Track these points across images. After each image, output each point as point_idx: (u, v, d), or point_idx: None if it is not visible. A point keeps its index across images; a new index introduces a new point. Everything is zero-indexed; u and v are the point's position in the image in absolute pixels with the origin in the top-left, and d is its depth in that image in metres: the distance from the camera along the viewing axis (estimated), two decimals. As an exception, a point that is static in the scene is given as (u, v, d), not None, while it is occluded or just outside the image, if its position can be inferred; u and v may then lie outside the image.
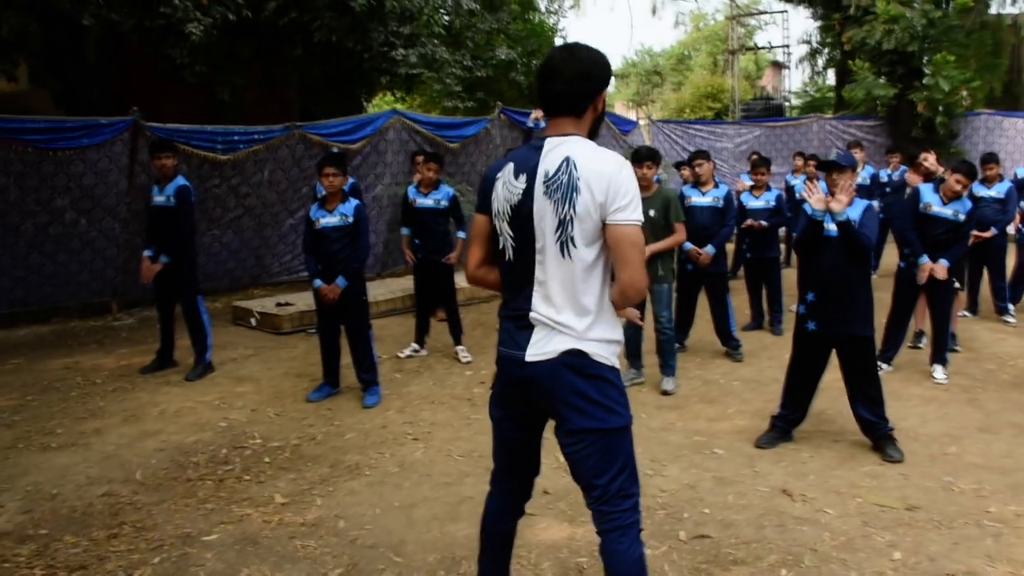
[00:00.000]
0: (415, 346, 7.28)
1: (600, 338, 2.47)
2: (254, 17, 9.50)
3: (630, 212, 2.38)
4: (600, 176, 2.37)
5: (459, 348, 7.12)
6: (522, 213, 2.47)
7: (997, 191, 7.91)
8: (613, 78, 2.56)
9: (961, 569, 3.39)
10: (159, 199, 6.48)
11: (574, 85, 2.45)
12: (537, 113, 9.31)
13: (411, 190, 7.12)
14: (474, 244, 2.70)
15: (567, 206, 2.38)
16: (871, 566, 3.42)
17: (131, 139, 8.66)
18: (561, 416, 2.50)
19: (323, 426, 5.38)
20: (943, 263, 6.04)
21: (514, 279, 2.56)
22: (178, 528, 3.87)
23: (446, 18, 13.96)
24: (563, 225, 2.40)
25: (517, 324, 2.54)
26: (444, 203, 7.00)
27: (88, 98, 9.88)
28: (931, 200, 6.16)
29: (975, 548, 3.58)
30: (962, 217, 6.08)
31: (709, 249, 6.74)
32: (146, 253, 6.47)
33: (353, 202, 5.79)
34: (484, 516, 2.87)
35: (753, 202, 7.91)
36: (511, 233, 2.52)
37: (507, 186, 2.52)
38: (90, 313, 8.95)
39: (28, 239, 8.30)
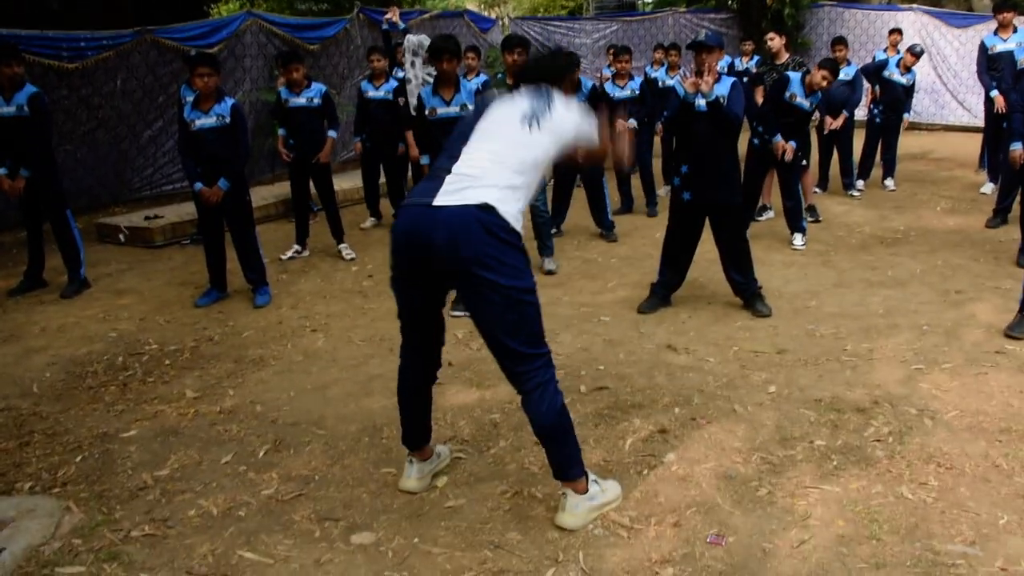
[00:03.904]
0: (297, 247, 7.25)
1: (512, 200, 2.66)
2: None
3: (588, 132, 2.91)
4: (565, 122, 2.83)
5: (342, 246, 7.17)
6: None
7: (845, 74, 8.45)
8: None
9: (826, 395, 3.89)
10: (7, 110, 6.06)
11: (546, 76, 2.96)
12: (391, 14, 9.19)
13: (283, 91, 6.98)
14: None
15: (546, 107, 2.79)
16: (751, 399, 3.85)
17: (-39, 48, 7.99)
18: (467, 267, 2.56)
19: (218, 328, 5.38)
20: (792, 145, 6.54)
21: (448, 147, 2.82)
22: (92, 430, 3.86)
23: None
24: (535, 115, 2.75)
25: (430, 177, 2.73)
26: (317, 101, 6.90)
27: None
28: (797, 91, 6.61)
29: (837, 378, 4.10)
30: (813, 107, 6.65)
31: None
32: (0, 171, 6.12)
33: (229, 101, 5.66)
34: (399, 386, 3.06)
35: (619, 92, 8.14)
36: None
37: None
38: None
39: None
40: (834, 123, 8.39)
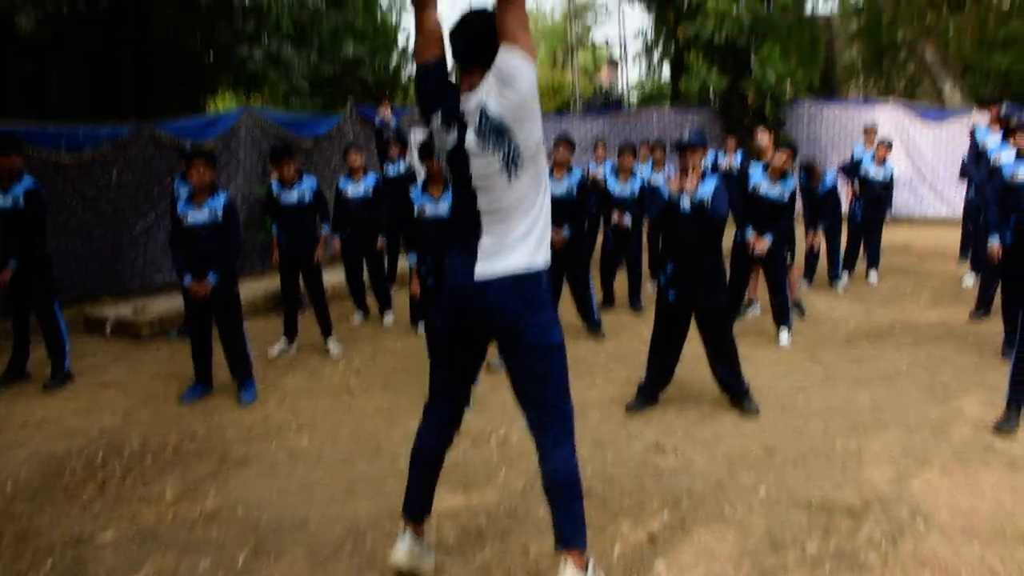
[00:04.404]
0: (284, 342, 7.23)
1: (538, 240, 2.78)
2: (89, 10, 9.02)
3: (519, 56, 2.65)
4: (507, 103, 2.65)
5: (330, 341, 7.15)
6: (456, 158, 2.77)
7: (823, 186, 8.57)
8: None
9: (817, 496, 3.85)
10: (2, 202, 6.13)
11: (483, 36, 2.71)
12: (384, 112, 9.40)
13: (274, 185, 7.06)
14: None
15: (506, 141, 2.66)
16: (740, 501, 3.81)
17: (-40, 140, 8.10)
18: (504, 332, 2.80)
19: (202, 424, 5.32)
20: (767, 239, 6.61)
21: (456, 212, 2.88)
22: (66, 532, 3.77)
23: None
24: (507, 157, 2.68)
25: (466, 246, 2.81)
26: (309, 197, 6.99)
27: None
28: (760, 181, 6.73)
29: (826, 478, 4.07)
30: (786, 197, 6.67)
31: (565, 232, 7.02)
32: (-10, 261, 6.13)
33: (222, 196, 5.73)
34: (416, 446, 3.09)
35: (619, 189, 8.26)
36: (450, 172, 2.84)
37: (439, 131, 2.79)
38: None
39: None
40: (815, 239, 8.56)
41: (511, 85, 2.63)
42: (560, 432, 2.85)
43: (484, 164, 2.70)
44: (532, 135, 2.70)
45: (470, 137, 2.70)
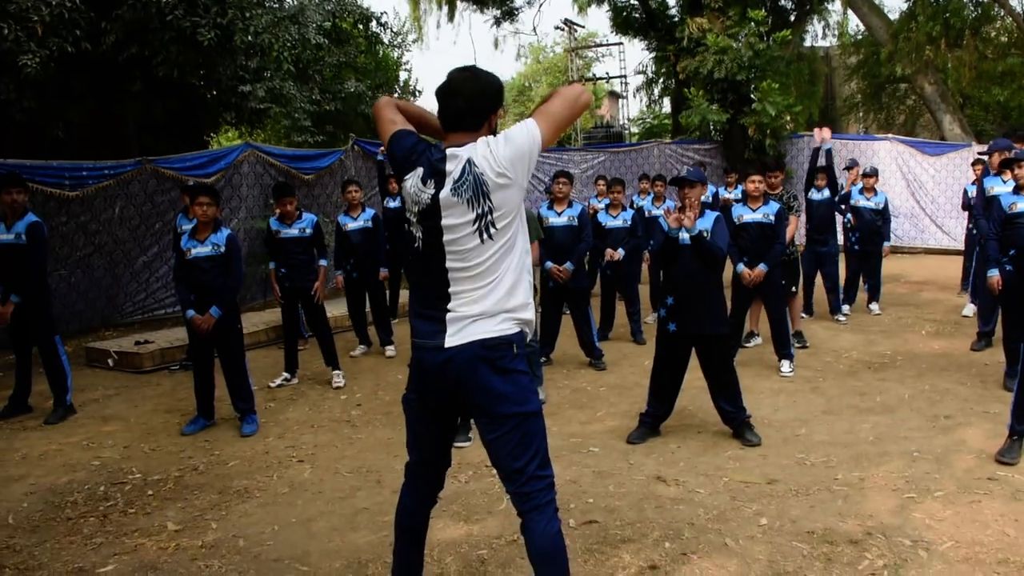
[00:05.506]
0: (286, 375, 7.24)
1: (513, 317, 2.68)
2: (92, 50, 9.11)
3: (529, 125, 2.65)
4: (493, 160, 2.59)
5: (335, 372, 7.15)
6: (429, 213, 2.66)
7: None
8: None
9: (819, 527, 3.83)
10: (6, 237, 6.18)
11: (474, 103, 2.68)
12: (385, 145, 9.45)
13: (274, 222, 7.11)
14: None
15: (483, 200, 2.59)
16: (742, 532, 3.79)
17: (-34, 176, 8.18)
18: (478, 403, 2.69)
19: (203, 457, 5.32)
20: (761, 268, 6.63)
21: (424, 273, 2.75)
22: (67, 565, 3.76)
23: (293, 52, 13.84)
24: (481, 217, 2.60)
25: (434, 314, 2.71)
26: (308, 231, 7.05)
27: None
28: (741, 212, 6.81)
29: (828, 509, 4.05)
30: (772, 219, 6.69)
31: (568, 266, 7.08)
32: (-8, 295, 6.17)
33: (225, 231, 5.79)
34: (399, 508, 2.99)
35: (611, 222, 8.33)
36: (421, 231, 2.70)
37: (416, 188, 2.68)
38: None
39: None
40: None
41: (510, 139, 2.61)
42: (543, 502, 2.72)
43: (456, 220, 2.62)
44: (509, 201, 2.63)
45: (446, 190, 2.61)
